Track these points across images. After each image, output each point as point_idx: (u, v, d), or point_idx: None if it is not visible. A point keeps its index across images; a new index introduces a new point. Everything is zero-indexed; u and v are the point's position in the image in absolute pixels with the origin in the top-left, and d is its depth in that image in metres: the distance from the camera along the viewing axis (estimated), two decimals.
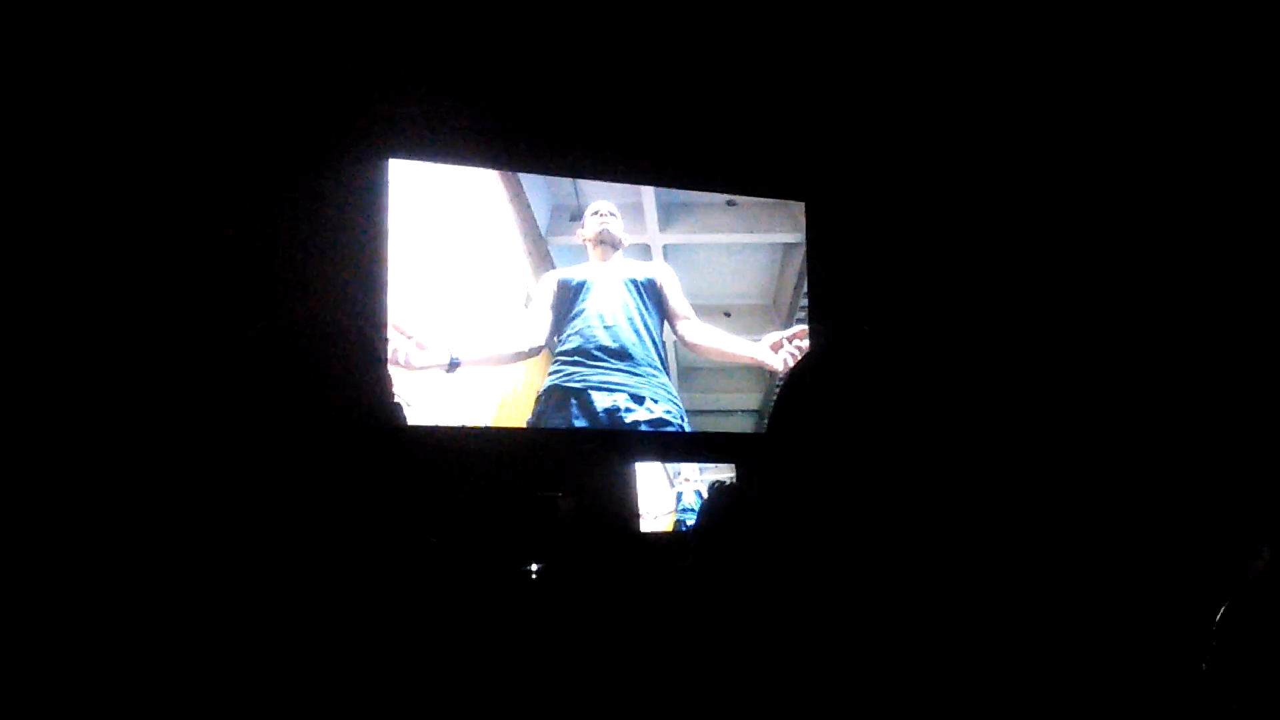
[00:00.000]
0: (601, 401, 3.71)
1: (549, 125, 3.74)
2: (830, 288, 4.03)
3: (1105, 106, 3.49)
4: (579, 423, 3.69)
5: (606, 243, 3.80)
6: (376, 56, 3.47)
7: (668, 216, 3.88)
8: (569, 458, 3.62)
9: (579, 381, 3.71)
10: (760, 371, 4.00)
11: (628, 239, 3.80)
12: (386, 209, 3.54)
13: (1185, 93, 3.34)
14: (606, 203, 3.82)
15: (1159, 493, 2.82)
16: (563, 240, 3.81)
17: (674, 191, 3.86)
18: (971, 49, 3.69)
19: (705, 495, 3.56)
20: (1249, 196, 3.19)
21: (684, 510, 3.68)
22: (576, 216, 3.83)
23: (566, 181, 3.79)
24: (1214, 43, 3.26)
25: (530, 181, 3.80)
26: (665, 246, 3.89)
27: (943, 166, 3.93)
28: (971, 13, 3.58)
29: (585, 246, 3.84)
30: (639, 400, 3.74)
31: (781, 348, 3.95)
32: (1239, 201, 3.23)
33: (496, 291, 3.74)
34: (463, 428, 3.55)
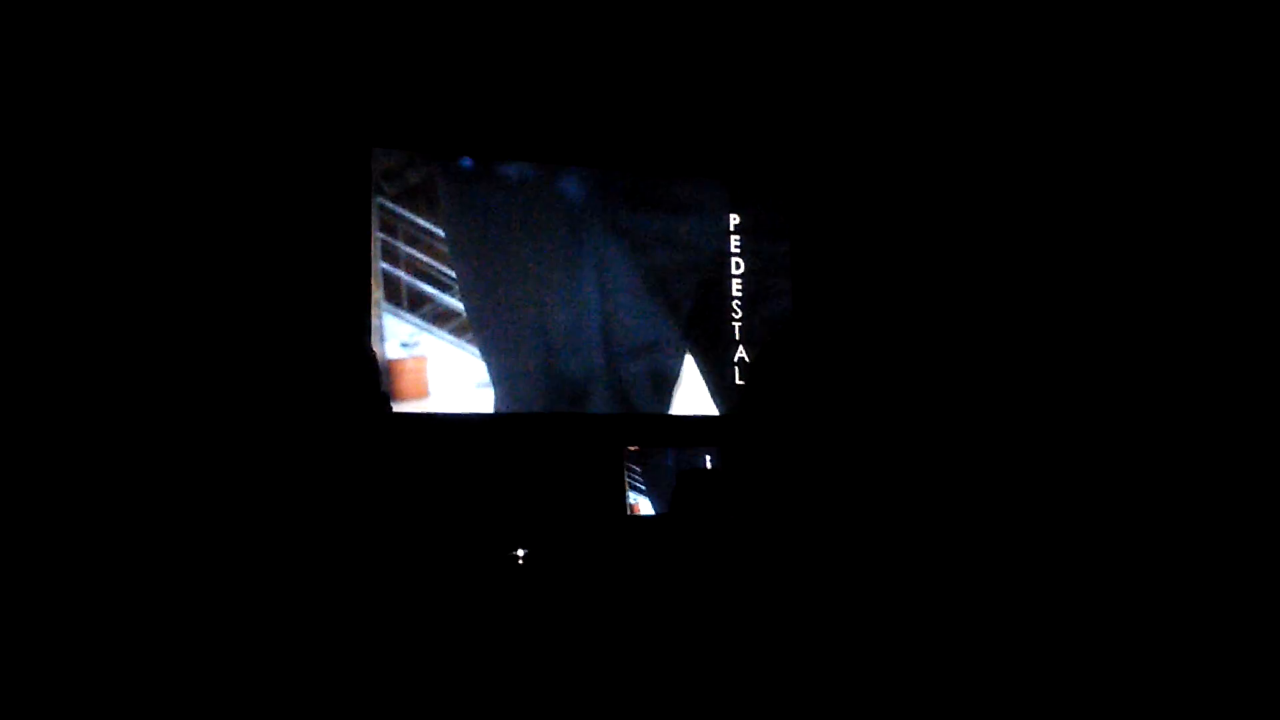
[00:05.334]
0: None
1: (533, 114, 3.71)
2: (812, 278, 4.02)
3: (1104, 101, 3.49)
4: None
5: None
6: (358, 42, 3.43)
7: None
8: (549, 443, 3.62)
9: None
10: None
11: None
12: (370, 199, 3.48)
13: (1163, 83, 3.35)
14: None
15: (1136, 484, 2.85)
16: None
17: None
18: (952, 42, 3.71)
19: (677, 483, 3.58)
20: (1231, 193, 3.19)
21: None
22: None
23: None
24: (1184, 38, 3.28)
25: None
26: None
27: (924, 159, 3.93)
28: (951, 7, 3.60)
29: None
30: None
31: None
32: (1224, 198, 3.24)
33: None
34: (449, 416, 3.51)
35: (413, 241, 3.55)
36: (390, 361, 3.45)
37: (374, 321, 3.44)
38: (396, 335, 3.46)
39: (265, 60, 3.33)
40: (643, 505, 3.61)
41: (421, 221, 3.57)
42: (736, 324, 3.95)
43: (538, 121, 3.76)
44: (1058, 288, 3.49)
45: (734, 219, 4.03)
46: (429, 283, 3.55)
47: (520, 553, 3.17)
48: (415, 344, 3.49)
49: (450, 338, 3.56)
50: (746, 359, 3.95)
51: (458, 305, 3.61)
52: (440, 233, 3.61)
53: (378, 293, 3.47)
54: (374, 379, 3.23)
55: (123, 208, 3.11)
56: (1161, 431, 2.88)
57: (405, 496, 3.06)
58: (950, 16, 3.68)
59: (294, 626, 2.38)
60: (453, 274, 3.60)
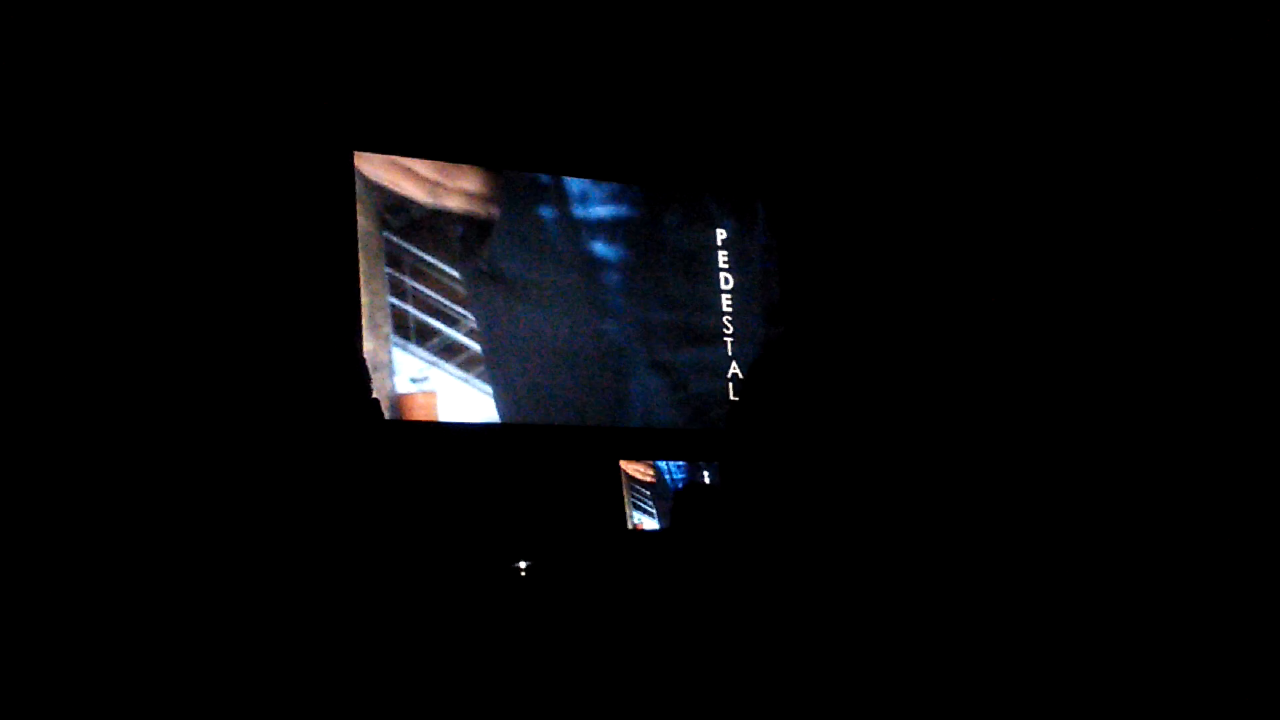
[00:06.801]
0: None
1: (513, 117, 3.75)
2: (797, 284, 4.10)
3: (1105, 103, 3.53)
4: None
5: None
6: (339, 44, 3.44)
7: None
8: (551, 454, 3.65)
9: None
10: None
11: None
12: (354, 202, 3.49)
13: (1153, 94, 3.39)
14: None
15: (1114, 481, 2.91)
16: None
17: None
18: (945, 62, 3.78)
19: (678, 496, 3.66)
20: (1224, 193, 3.21)
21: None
22: None
23: None
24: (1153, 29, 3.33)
25: None
26: None
27: (906, 161, 3.99)
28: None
29: None
30: None
31: None
32: (1214, 199, 3.26)
33: None
34: (442, 424, 3.52)
35: (419, 275, 3.59)
36: (400, 396, 3.51)
37: (383, 356, 3.47)
38: (406, 370, 3.52)
39: (257, 61, 3.33)
40: (646, 523, 3.68)
41: (427, 256, 3.62)
42: (729, 339, 4.06)
43: (528, 129, 3.78)
44: (1054, 297, 3.53)
45: (720, 234, 4.09)
46: (436, 316, 3.60)
47: (521, 565, 3.22)
48: (424, 379, 3.55)
49: (459, 372, 3.61)
50: (740, 375, 4.04)
51: (465, 339, 3.65)
52: (450, 270, 3.66)
53: (386, 328, 3.52)
54: (363, 383, 3.30)
55: (115, 209, 3.09)
56: (1158, 457, 2.93)
57: (404, 506, 3.11)
58: (947, 36, 3.73)
59: (293, 636, 2.44)
60: (459, 308, 3.67)
